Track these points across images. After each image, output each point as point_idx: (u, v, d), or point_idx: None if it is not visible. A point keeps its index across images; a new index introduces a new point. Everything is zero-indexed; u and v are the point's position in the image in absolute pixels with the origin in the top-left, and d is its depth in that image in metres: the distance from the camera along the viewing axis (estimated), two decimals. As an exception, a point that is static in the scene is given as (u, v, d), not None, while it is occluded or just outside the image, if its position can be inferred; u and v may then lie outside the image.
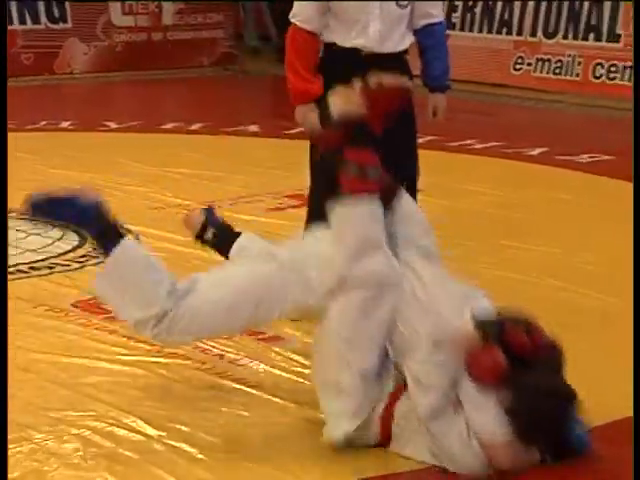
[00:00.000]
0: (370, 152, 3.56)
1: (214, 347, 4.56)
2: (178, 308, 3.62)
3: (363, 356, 3.51)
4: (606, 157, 8.15)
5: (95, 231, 3.73)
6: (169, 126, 9.76)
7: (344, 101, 3.55)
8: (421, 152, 8.30)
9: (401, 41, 4.76)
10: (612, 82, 11.03)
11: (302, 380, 4.24)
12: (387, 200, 3.62)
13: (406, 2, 4.69)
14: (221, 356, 4.49)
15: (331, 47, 4.76)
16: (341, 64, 4.60)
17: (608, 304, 5.05)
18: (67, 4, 12.49)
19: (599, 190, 7.48)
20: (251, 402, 4.06)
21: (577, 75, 11.29)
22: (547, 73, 11.52)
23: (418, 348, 3.46)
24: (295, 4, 4.79)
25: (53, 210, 3.71)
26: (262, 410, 3.99)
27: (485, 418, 3.34)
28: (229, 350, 4.53)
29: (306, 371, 4.30)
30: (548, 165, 8.06)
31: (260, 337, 4.68)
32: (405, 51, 4.80)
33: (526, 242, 6.06)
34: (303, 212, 6.73)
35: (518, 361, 3.34)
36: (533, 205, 6.79)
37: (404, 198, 3.77)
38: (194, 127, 9.70)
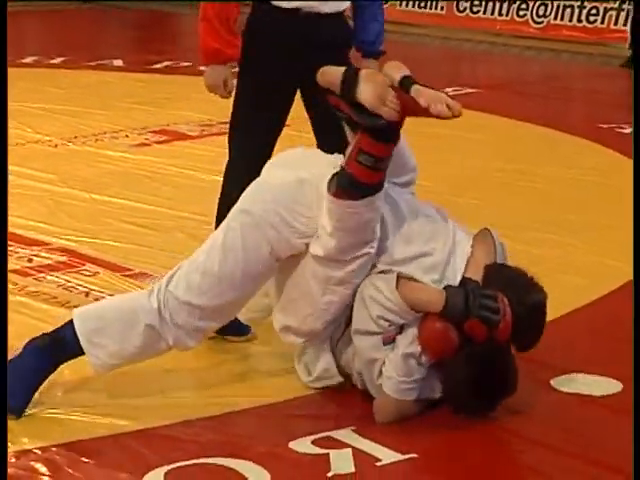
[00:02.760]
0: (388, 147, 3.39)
1: (80, 285, 4.54)
2: (164, 300, 3.50)
3: (331, 306, 3.51)
4: (470, 90, 8.23)
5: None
6: (28, 60, 9.59)
7: (375, 91, 3.31)
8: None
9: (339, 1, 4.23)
10: (475, 15, 11.13)
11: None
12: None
13: None
14: (87, 294, 4.46)
15: (260, 5, 4.14)
16: (274, 25, 4.10)
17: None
18: None
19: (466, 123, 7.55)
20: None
21: (441, 8, 11.38)
22: (412, 7, 11.59)
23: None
24: None
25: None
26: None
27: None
28: (94, 288, 4.51)
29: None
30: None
31: (126, 274, 4.67)
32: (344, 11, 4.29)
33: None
34: (169, 147, 6.75)
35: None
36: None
37: None
38: (55, 61, 9.55)
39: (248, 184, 3.64)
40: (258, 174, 3.68)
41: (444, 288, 3.39)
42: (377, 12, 4.38)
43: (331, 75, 3.45)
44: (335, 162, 3.46)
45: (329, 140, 4.06)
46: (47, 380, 3.55)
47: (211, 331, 3.71)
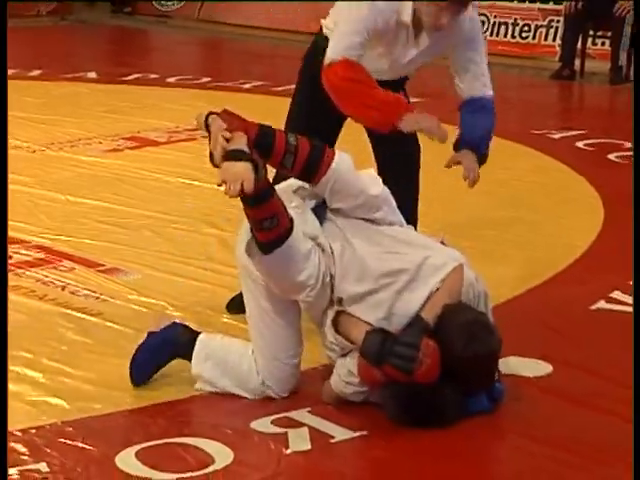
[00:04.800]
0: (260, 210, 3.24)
1: (56, 280, 4.52)
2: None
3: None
4: (418, 99, 8.21)
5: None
6: (8, 73, 9.48)
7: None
8: (249, 96, 8.33)
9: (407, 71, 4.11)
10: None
11: (139, 308, 4.23)
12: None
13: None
14: (63, 288, 4.43)
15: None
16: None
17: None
18: None
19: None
20: (92, 329, 4.04)
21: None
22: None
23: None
24: (338, 43, 3.75)
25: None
26: (102, 336, 3.97)
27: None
28: (70, 282, 4.48)
29: (142, 299, 4.31)
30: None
31: (99, 269, 4.65)
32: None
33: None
34: (140, 153, 6.72)
35: None
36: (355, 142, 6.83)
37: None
38: (33, 74, 9.48)
39: None
40: None
41: (368, 332, 3.25)
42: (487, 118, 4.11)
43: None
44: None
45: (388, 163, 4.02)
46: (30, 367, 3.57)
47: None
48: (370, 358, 3.21)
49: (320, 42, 3.97)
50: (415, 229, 3.78)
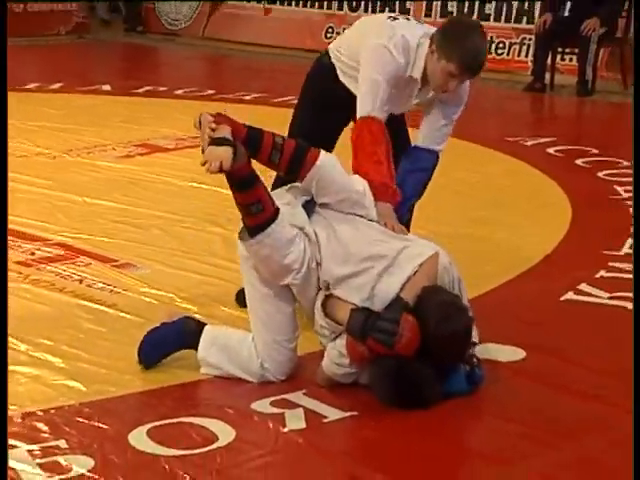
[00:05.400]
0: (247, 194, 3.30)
1: (74, 274, 4.51)
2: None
3: None
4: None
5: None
6: (31, 86, 9.48)
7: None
8: (249, 107, 8.32)
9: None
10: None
11: (149, 299, 4.22)
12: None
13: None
14: (80, 281, 4.42)
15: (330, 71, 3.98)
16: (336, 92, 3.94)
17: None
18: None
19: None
20: (106, 319, 4.03)
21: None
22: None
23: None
24: (368, 100, 3.72)
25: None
26: (115, 325, 3.97)
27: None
28: (87, 276, 4.47)
29: (152, 291, 4.30)
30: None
31: (113, 264, 4.64)
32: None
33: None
34: (150, 158, 6.71)
35: None
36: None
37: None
38: (53, 87, 9.45)
39: None
40: None
41: (353, 310, 3.27)
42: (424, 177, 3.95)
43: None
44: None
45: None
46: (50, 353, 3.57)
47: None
48: (355, 334, 3.23)
49: (326, 64, 4.00)
50: (408, 229, 3.80)
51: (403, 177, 3.82)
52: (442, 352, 3.27)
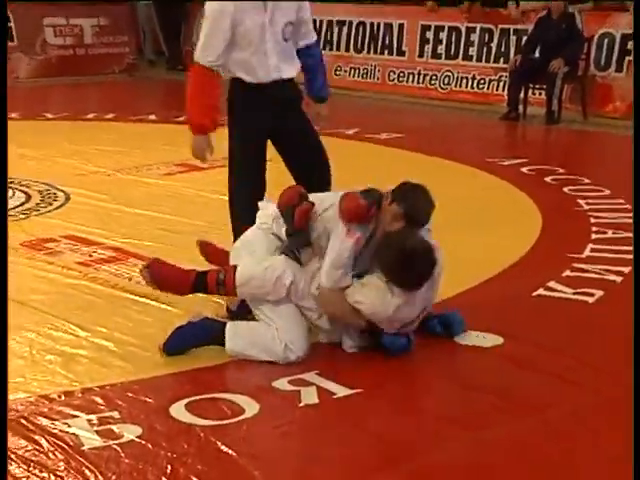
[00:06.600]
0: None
1: (125, 272, 4.50)
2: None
3: None
4: (397, 135, 8.22)
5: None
6: (90, 116, 9.50)
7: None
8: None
9: (293, 67, 4.03)
10: (401, 84, 11.13)
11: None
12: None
13: (290, 36, 3.96)
14: (130, 279, 4.41)
15: (238, 82, 3.96)
16: (252, 96, 3.95)
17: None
18: (13, 28, 12.10)
19: (395, 158, 7.56)
20: (151, 310, 4.02)
21: (377, 79, 11.37)
22: (357, 77, 11.57)
23: None
24: (199, 47, 3.86)
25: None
26: (159, 315, 3.95)
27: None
28: (135, 274, 4.45)
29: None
30: (360, 140, 8.11)
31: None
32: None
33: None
34: (188, 176, 6.70)
35: None
36: (351, 168, 6.83)
37: None
38: (108, 116, 9.46)
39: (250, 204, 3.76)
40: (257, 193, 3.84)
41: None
42: (320, 68, 4.22)
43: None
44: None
45: (305, 174, 3.97)
46: (105, 338, 3.53)
47: None
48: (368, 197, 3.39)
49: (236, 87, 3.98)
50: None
51: (309, 77, 4.13)
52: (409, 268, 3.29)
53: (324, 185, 4.02)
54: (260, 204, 3.76)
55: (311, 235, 3.53)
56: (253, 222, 3.73)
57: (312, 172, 4.04)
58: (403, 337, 3.45)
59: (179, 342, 3.51)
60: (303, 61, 4.08)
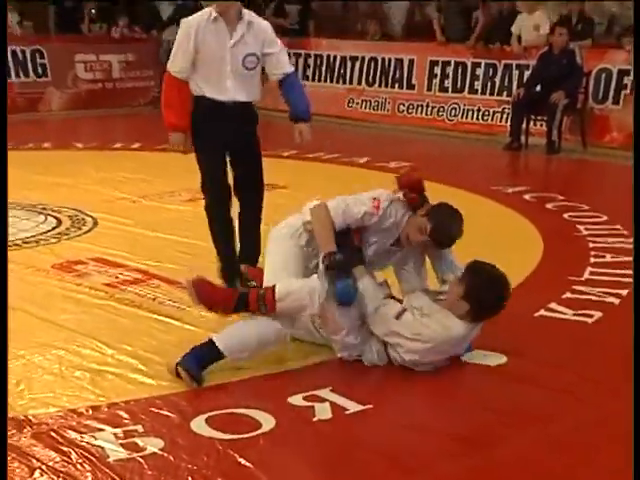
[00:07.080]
0: None
1: (148, 293, 4.50)
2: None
3: None
4: (405, 163, 8.23)
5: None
6: (117, 145, 9.56)
7: None
8: (283, 160, 8.30)
9: (251, 93, 4.27)
10: (410, 115, 11.16)
11: (207, 314, 4.19)
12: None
13: (253, 66, 4.21)
14: (153, 299, 4.42)
15: (201, 98, 4.24)
16: (210, 110, 4.22)
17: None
18: (47, 64, 12.26)
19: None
20: (174, 329, 4.02)
21: (388, 110, 11.40)
22: (368, 109, 11.61)
23: None
24: (170, 58, 4.23)
25: None
26: (180, 334, 3.95)
27: None
28: (159, 295, 4.47)
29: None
30: (370, 169, 8.12)
31: (179, 286, 4.60)
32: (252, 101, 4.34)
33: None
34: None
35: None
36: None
37: None
38: (134, 146, 9.51)
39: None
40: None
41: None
42: (300, 93, 4.34)
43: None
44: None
45: (246, 195, 4.39)
46: (130, 356, 3.55)
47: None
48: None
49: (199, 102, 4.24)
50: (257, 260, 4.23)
51: (292, 102, 4.29)
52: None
53: (253, 199, 4.43)
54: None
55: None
56: (218, 218, 4.37)
57: (247, 185, 4.41)
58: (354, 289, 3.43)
59: (196, 367, 3.41)
60: (283, 88, 4.31)
